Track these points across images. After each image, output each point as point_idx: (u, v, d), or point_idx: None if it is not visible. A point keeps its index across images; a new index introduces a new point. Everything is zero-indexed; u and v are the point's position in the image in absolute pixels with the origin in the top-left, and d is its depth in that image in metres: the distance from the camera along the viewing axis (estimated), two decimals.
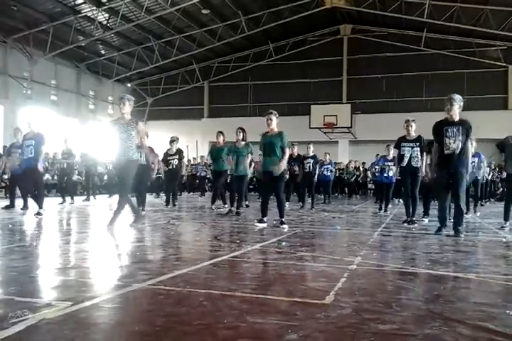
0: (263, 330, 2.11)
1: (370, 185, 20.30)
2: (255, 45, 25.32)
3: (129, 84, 27.38)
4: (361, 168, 19.91)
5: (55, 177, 17.51)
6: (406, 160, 7.21)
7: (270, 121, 6.64)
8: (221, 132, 9.39)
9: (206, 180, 18.85)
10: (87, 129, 23.55)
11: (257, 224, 6.63)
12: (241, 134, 8.61)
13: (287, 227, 6.42)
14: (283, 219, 6.68)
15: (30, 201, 8.41)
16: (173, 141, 10.55)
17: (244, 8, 20.75)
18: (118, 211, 6.16)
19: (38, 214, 7.74)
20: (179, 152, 10.51)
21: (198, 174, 18.69)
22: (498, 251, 4.72)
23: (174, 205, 10.56)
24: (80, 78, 23.69)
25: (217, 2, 19.75)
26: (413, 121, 7.21)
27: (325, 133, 23.21)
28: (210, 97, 27.30)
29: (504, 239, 5.53)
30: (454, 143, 5.56)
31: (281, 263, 3.81)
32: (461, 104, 5.73)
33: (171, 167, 10.39)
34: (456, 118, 5.70)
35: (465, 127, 5.63)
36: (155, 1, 18.67)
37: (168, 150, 10.52)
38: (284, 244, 4.88)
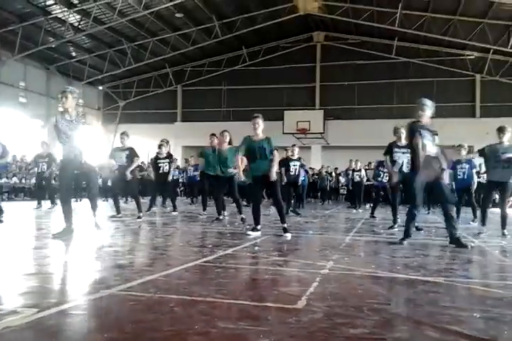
0: (234, 336, 2.09)
1: (342, 191, 20.53)
2: (229, 50, 25.37)
3: (100, 87, 27.03)
4: (333, 174, 20.09)
5: (23, 181, 17.14)
6: (398, 166, 7.08)
7: (258, 126, 6.22)
8: (214, 134, 8.92)
9: (180, 185, 18.72)
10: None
11: (250, 233, 6.10)
12: (228, 137, 8.20)
13: (290, 236, 5.97)
14: (285, 226, 6.17)
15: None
16: (161, 144, 10.44)
17: (218, 13, 20.78)
18: (94, 213, 5.93)
19: None
20: (169, 156, 10.43)
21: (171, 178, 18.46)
22: (466, 256, 4.81)
23: (175, 210, 10.34)
24: (49, 80, 23.26)
25: (191, 6, 19.73)
26: (403, 127, 7.00)
27: (298, 138, 23.36)
28: (184, 101, 27.18)
29: (472, 244, 5.64)
30: (431, 146, 5.51)
31: (254, 268, 3.80)
32: (433, 110, 5.57)
33: (161, 171, 10.30)
34: (429, 122, 5.64)
35: (434, 132, 5.52)
36: (128, 3, 18.51)
37: (158, 153, 10.42)
38: (256, 248, 4.87)
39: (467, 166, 8.91)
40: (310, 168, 18.44)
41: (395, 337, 2.11)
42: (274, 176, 6.08)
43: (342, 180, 19.48)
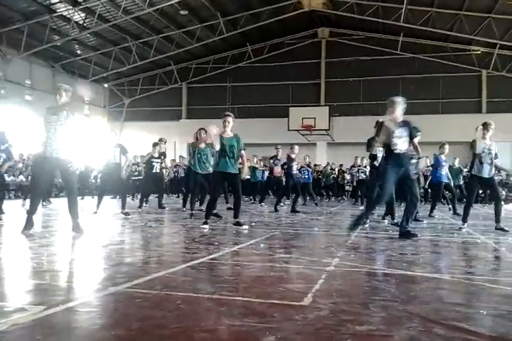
0: (240, 333, 2.09)
1: (347, 187, 20.47)
2: (234, 47, 25.30)
3: (105, 85, 27.06)
4: (337, 170, 20.03)
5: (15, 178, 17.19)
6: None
7: (228, 123, 6.58)
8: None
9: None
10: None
11: (205, 226, 6.48)
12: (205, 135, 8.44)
13: (247, 227, 6.53)
14: (238, 220, 6.67)
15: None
16: (156, 144, 10.52)
17: (223, 10, 20.72)
18: (75, 216, 5.76)
19: None
20: (162, 154, 10.51)
21: (178, 175, 18.44)
22: (473, 252, 4.79)
23: (163, 207, 10.45)
24: (55, 78, 23.29)
25: (196, 3, 19.69)
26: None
27: (303, 135, 23.33)
28: (189, 98, 27.17)
29: (478, 240, 5.63)
30: (403, 143, 5.66)
31: (259, 265, 3.80)
32: (405, 106, 5.74)
33: (154, 170, 10.38)
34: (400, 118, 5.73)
35: (409, 127, 5.69)
36: (132, 1, 18.50)
37: (154, 152, 10.48)
38: (262, 245, 4.87)
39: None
40: (315, 164, 18.38)
41: (401, 334, 2.10)
42: (246, 173, 6.67)
43: (347, 176, 19.44)
